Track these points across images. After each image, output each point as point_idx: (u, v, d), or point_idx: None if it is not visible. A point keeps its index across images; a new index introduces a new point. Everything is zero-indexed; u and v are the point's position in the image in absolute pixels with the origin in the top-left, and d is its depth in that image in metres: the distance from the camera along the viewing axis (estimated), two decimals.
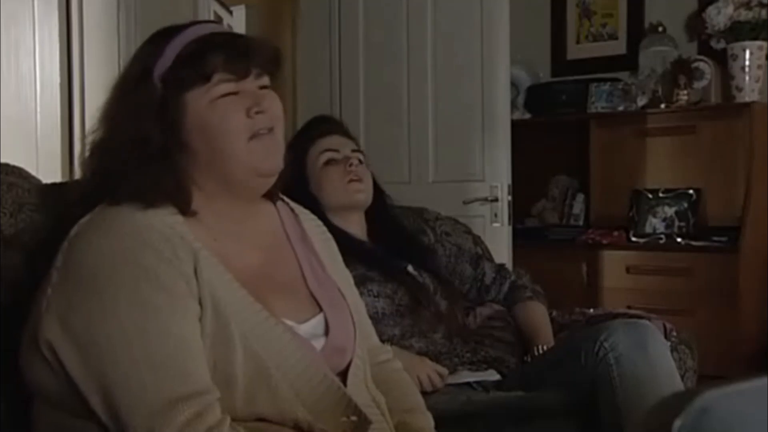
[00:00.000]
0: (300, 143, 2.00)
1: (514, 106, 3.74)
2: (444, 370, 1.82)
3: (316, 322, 1.31)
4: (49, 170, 2.73)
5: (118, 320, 1.12)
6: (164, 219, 1.20)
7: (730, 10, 3.47)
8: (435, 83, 3.48)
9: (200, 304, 1.17)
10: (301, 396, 1.21)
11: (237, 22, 4.39)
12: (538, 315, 2.12)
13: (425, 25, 3.50)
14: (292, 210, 1.44)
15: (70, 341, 1.13)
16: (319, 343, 1.29)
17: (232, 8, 4.37)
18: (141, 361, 1.11)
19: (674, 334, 2.18)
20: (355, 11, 3.69)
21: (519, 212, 3.61)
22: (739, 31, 3.46)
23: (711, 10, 3.52)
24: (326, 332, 1.31)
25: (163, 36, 1.28)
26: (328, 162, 1.99)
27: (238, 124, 1.25)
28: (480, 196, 3.32)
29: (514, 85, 3.76)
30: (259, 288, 1.24)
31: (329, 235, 1.50)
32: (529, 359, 2.00)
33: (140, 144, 1.23)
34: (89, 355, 1.12)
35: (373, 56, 3.63)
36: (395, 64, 3.55)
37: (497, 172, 3.33)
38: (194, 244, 1.20)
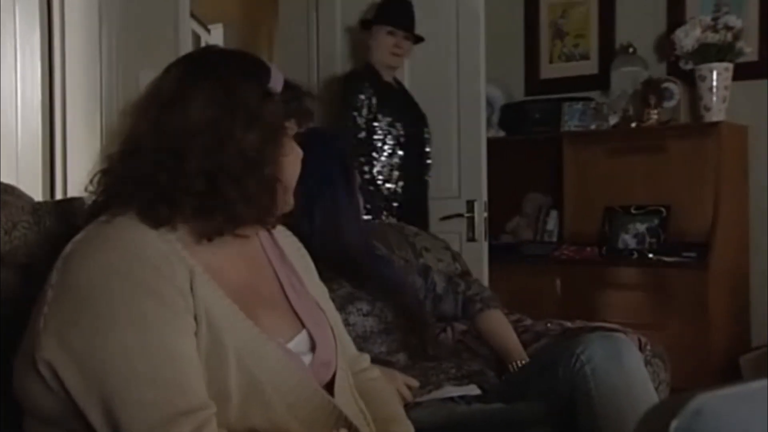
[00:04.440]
0: None
1: (488, 124, 3.79)
2: (414, 383, 1.84)
3: (300, 339, 1.34)
4: (29, 188, 2.73)
5: (119, 335, 1.13)
6: (160, 235, 1.22)
7: (697, 32, 3.55)
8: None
9: (195, 319, 1.18)
10: (294, 410, 1.24)
11: (215, 40, 4.41)
12: (499, 328, 2.16)
13: None
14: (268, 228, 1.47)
15: (69, 358, 1.13)
16: (306, 359, 1.32)
17: (209, 26, 4.40)
18: (142, 376, 1.12)
19: (648, 347, 2.24)
20: (333, 31, 3.74)
21: (494, 229, 3.66)
22: (706, 53, 3.54)
23: (679, 33, 3.61)
24: (312, 348, 1.34)
25: (256, 62, 1.32)
26: None
27: (295, 175, 1.33)
28: (457, 213, 3.39)
29: (488, 103, 3.82)
30: (248, 304, 1.26)
31: (305, 251, 1.52)
32: (506, 377, 2.05)
33: (212, 158, 1.23)
34: (89, 371, 1.12)
35: None
36: None
37: (473, 189, 3.40)
38: (189, 261, 1.21)
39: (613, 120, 3.82)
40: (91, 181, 1.32)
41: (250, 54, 1.37)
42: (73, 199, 1.59)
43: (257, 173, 1.26)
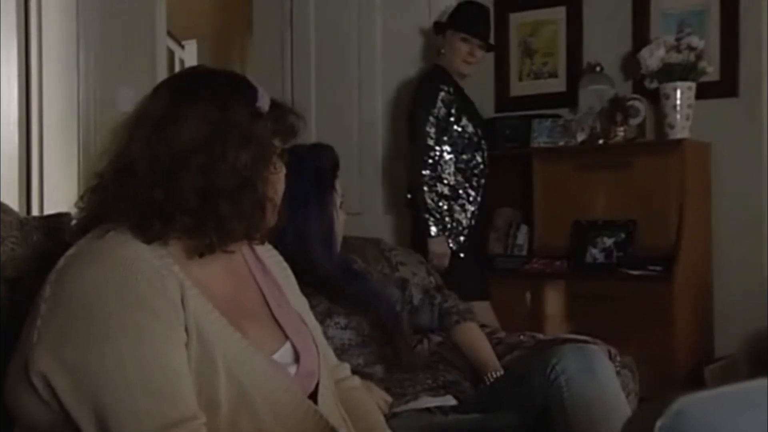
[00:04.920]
0: None
1: None
2: (389, 398, 1.88)
3: (284, 350, 1.37)
4: (6, 203, 2.75)
5: (113, 347, 1.16)
6: (152, 250, 1.25)
7: (661, 52, 3.63)
8: (385, 116, 3.60)
9: (186, 332, 1.22)
10: (281, 419, 1.28)
11: (188, 55, 4.43)
12: (474, 340, 2.21)
13: (376, 62, 3.61)
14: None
15: (63, 370, 1.16)
16: (291, 370, 1.36)
17: (183, 42, 4.42)
18: (136, 387, 1.15)
19: (617, 358, 2.30)
20: (307, 47, 3.79)
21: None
22: (670, 72, 3.61)
23: (644, 52, 3.68)
24: (296, 359, 1.38)
25: (244, 82, 1.36)
26: None
27: (282, 191, 1.36)
28: None
29: None
30: (235, 317, 1.30)
31: (286, 265, 1.56)
32: (481, 388, 2.10)
33: (205, 175, 1.26)
34: (83, 383, 1.15)
35: (324, 91, 3.73)
36: (346, 96, 3.66)
37: None
38: (180, 275, 1.25)
39: (581, 137, 3.88)
40: (81, 198, 1.34)
41: (238, 74, 1.41)
42: (60, 215, 1.61)
43: (250, 191, 1.30)
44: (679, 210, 3.58)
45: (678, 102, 3.63)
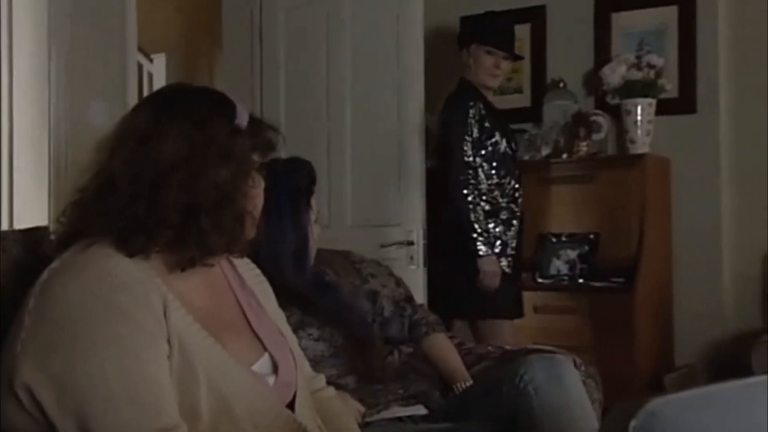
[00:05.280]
0: None
1: (427, 153, 3.89)
2: (362, 408, 1.92)
3: (263, 361, 1.41)
4: None
5: (97, 359, 1.18)
6: (134, 263, 1.27)
7: (622, 69, 3.73)
8: (353, 132, 3.62)
9: (169, 343, 1.24)
10: (261, 429, 1.31)
11: (157, 69, 4.44)
12: (444, 351, 2.25)
13: (345, 76, 3.64)
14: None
15: (48, 381, 1.18)
16: (270, 380, 1.39)
17: (152, 56, 4.43)
18: (120, 397, 1.17)
19: (582, 368, 2.37)
20: (277, 63, 3.82)
21: (431, 255, 3.75)
22: (631, 89, 3.71)
23: (606, 69, 3.78)
24: (274, 370, 1.41)
25: (223, 99, 1.38)
26: None
27: (261, 205, 1.39)
28: (396, 240, 3.47)
29: (427, 134, 3.91)
30: (214, 329, 1.33)
31: (263, 278, 1.59)
32: (451, 397, 2.15)
33: (186, 190, 1.29)
34: (67, 393, 1.17)
35: (293, 105, 3.75)
36: (315, 111, 3.68)
37: (412, 217, 3.48)
38: (162, 288, 1.27)
39: (545, 151, 3.96)
40: (62, 212, 1.37)
41: (216, 91, 1.44)
42: (38, 228, 1.63)
43: (230, 206, 1.33)
44: (640, 223, 3.66)
45: (639, 118, 3.73)
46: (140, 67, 3.99)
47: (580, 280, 3.73)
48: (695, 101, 3.84)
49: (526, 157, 3.96)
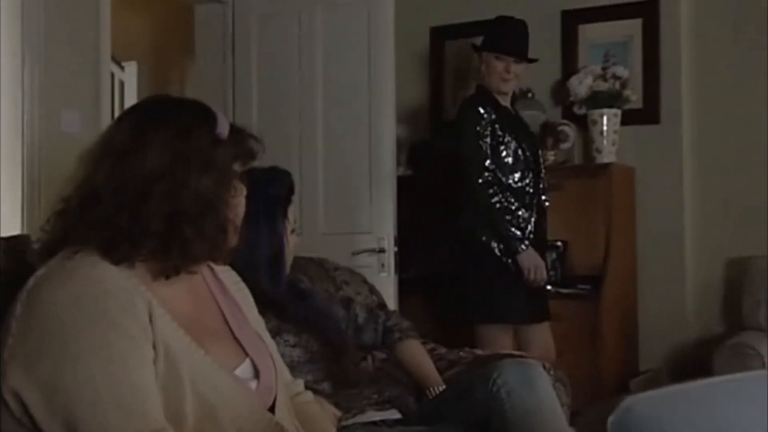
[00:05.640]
0: None
1: (397, 162, 3.93)
2: (338, 413, 1.94)
3: (245, 367, 1.44)
4: None
5: (85, 365, 1.20)
6: (120, 271, 1.30)
7: (589, 80, 3.82)
8: (325, 140, 3.65)
9: (154, 349, 1.27)
10: None
11: (128, 77, 4.44)
12: (417, 356, 2.28)
13: (317, 85, 3.67)
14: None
15: (36, 387, 1.20)
16: (251, 385, 1.43)
17: (123, 64, 4.42)
18: (107, 402, 1.20)
19: (551, 372, 2.43)
20: (249, 71, 3.84)
21: (401, 262, 3.79)
22: (597, 100, 3.79)
23: (573, 80, 3.87)
24: (256, 375, 1.45)
25: (204, 109, 1.41)
26: None
27: (242, 213, 1.42)
28: (368, 248, 3.50)
29: (397, 143, 3.96)
30: (198, 335, 1.36)
31: (243, 285, 1.62)
32: (425, 402, 2.19)
33: (167, 200, 1.31)
34: (55, 398, 1.20)
35: (266, 114, 3.77)
36: (287, 120, 3.70)
37: (384, 225, 3.52)
38: (146, 295, 1.30)
39: None
40: (47, 221, 1.39)
41: (198, 102, 1.47)
42: (19, 237, 1.64)
43: (212, 215, 1.36)
44: (606, 231, 3.74)
45: (605, 128, 3.81)
46: (112, 74, 3.99)
47: (549, 288, 3.78)
48: (659, 112, 3.94)
49: None
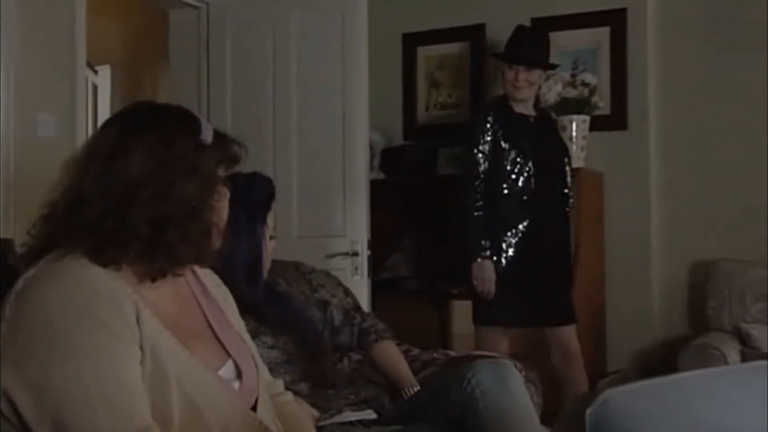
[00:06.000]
0: None
1: (370, 167, 3.97)
2: (315, 412, 1.97)
3: (227, 368, 1.47)
4: None
5: (74, 365, 1.23)
6: (107, 273, 1.33)
7: (559, 87, 3.88)
8: (299, 144, 3.68)
9: (141, 350, 1.30)
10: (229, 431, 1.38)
11: (102, 81, 4.43)
12: (392, 357, 2.32)
13: (291, 90, 3.70)
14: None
15: (25, 387, 1.23)
16: (234, 386, 1.46)
17: (97, 68, 4.41)
18: (95, 402, 1.23)
19: (523, 373, 2.48)
20: (223, 77, 3.86)
21: (374, 265, 3.83)
22: (566, 106, 3.86)
23: (543, 87, 3.92)
24: (238, 375, 1.48)
25: (188, 115, 1.44)
26: None
27: (225, 216, 1.45)
28: (342, 251, 3.55)
29: (370, 147, 4.00)
30: (182, 336, 1.39)
31: (225, 287, 1.65)
32: (400, 402, 2.23)
33: (155, 204, 1.34)
34: (45, 398, 1.22)
35: (240, 119, 3.79)
36: (262, 125, 3.72)
37: (357, 229, 3.56)
38: (133, 296, 1.33)
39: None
40: (33, 225, 1.41)
41: (182, 108, 1.50)
42: (2, 240, 1.67)
43: (197, 219, 1.39)
44: (575, 235, 3.76)
45: (574, 134, 3.87)
46: (84, 78, 3.98)
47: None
48: (626, 118, 4.02)
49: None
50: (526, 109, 3.41)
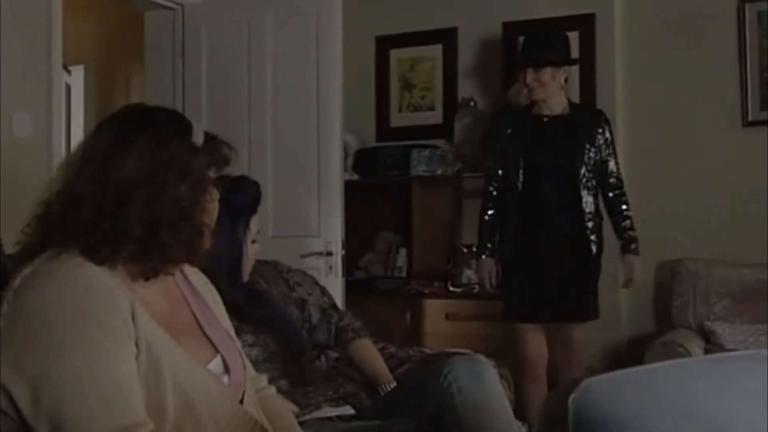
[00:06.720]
0: None
1: (343, 168, 4.02)
2: (296, 409, 2.00)
3: (216, 363, 1.51)
4: None
5: (71, 360, 1.27)
6: (102, 271, 1.36)
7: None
8: (274, 145, 3.70)
9: (137, 346, 1.34)
10: (221, 425, 1.42)
11: (75, 81, 4.41)
12: (369, 355, 2.36)
13: (266, 92, 3.71)
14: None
15: (23, 382, 1.26)
16: (224, 381, 1.50)
17: (70, 68, 4.39)
18: (91, 396, 1.26)
19: (495, 369, 2.54)
20: (198, 77, 3.87)
21: (347, 265, 3.87)
22: None
23: (513, 89, 4.01)
24: (227, 370, 1.52)
25: (180, 118, 1.47)
26: None
27: (215, 217, 1.49)
28: (316, 251, 3.57)
29: (344, 149, 4.04)
30: (173, 332, 1.43)
31: (211, 286, 1.69)
32: (377, 398, 2.27)
33: (148, 204, 1.37)
34: (41, 393, 1.26)
35: (215, 119, 3.80)
36: (237, 126, 3.74)
37: (331, 229, 3.59)
38: (128, 294, 1.37)
39: (457, 166, 4.14)
40: (27, 225, 1.44)
41: (174, 110, 1.54)
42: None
43: (190, 220, 1.43)
44: None
45: None
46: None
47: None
48: None
49: (439, 172, 4.13)
50: (547, 109, 3.40)
